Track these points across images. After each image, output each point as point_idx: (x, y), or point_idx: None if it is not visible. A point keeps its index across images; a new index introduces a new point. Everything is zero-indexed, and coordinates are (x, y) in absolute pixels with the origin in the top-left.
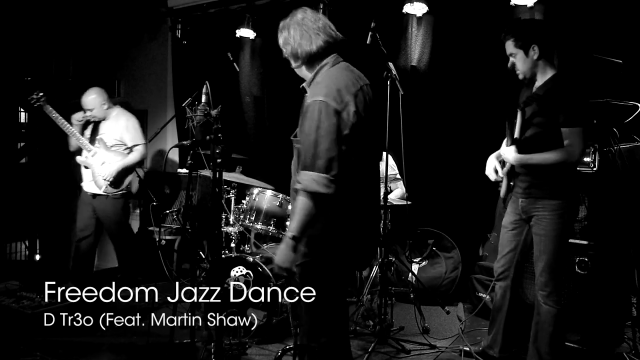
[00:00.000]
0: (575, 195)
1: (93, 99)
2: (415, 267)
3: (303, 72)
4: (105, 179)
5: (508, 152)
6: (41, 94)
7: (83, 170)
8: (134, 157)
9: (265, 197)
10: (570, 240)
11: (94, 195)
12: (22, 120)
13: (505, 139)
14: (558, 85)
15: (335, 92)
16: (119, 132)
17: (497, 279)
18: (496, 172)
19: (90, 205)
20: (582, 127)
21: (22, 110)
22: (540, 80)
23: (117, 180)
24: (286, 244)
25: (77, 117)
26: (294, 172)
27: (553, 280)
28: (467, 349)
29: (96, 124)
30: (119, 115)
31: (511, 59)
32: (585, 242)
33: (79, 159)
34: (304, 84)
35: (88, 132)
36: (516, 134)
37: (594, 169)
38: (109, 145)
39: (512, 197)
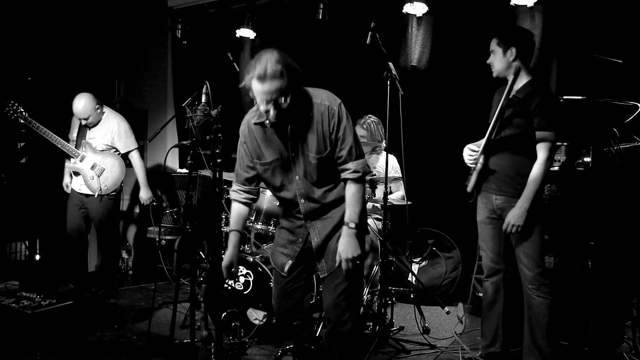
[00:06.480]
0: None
1: (85, 106)
2: (415, 267)
3: (290, 103)
4: (106, 185)
5: (513, 216)
6: (16, 104)
7: (72, 174)
8: (141, 169)
9: (265, 197)
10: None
11: (87, 195)
12: (22, 120)
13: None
14: (536, 90)
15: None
16: (109, 137)
17: (489, 274)
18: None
19: (81, 204)
20: (554, 131)
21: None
22: (517, 84)
23: (114, 185)
24: (350, 234)
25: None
26: (301, 186)
27: (540, 272)
28: (470, 356)
29: (82, 126)
30: (109, 118)
31: (491, 55)
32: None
33: (68, 165)
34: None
35: (74, 134)
36: (488, 134)
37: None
38: (97, 149)
39: (483, 192)
